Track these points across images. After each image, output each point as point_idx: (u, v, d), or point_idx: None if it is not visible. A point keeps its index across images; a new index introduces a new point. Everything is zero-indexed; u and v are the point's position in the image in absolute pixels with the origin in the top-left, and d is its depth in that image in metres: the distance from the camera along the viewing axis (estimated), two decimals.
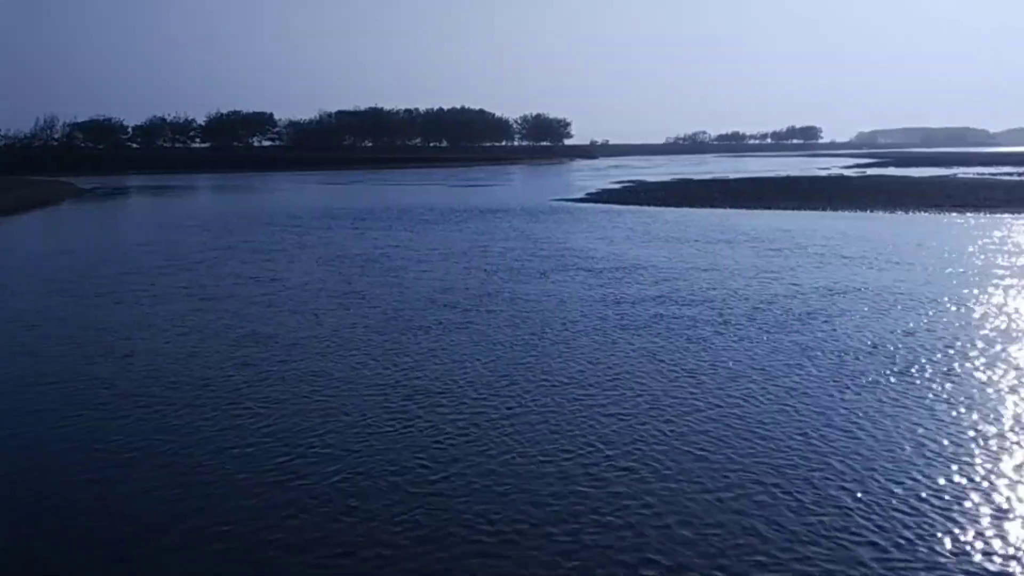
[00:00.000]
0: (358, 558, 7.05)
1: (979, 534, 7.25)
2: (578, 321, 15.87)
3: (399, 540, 7.31)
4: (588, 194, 57.65)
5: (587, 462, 8.94)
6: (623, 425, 10.06)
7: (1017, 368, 12.35)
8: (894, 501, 7.88)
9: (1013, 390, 11.30)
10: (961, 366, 12.43)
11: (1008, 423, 9.99)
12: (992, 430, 9.74)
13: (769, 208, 42.06)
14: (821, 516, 7.61)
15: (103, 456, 9.41)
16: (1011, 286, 19.06)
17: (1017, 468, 8.68)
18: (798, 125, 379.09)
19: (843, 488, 8.18)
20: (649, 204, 46.79)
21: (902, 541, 7.13)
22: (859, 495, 8.02)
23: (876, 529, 7.34)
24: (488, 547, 7.17)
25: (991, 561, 6.83)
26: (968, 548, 7.02)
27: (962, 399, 10.89)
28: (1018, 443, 9.36)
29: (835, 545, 7.08)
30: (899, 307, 16.75)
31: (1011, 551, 6.99)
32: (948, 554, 6.93)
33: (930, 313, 16.16)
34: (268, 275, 22.44)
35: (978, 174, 78.68)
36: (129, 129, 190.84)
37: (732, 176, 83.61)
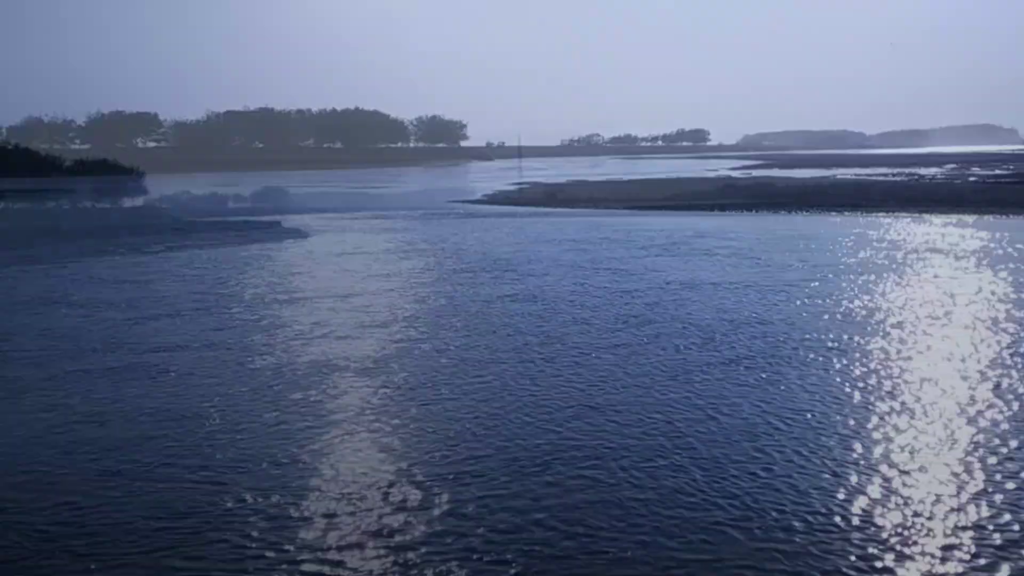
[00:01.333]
0: (214, 554, 6.80)
1: (813, 506, 7.52)
2: (432, 320, 15.84)
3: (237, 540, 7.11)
4: (485, 195, 58.28)
5: (429, 459, 8.96)
6: (462, 420, 10.12)
7: (845, 353, 12.90)
8: (728, 476, 8.17)
9: (841, 371, 11.86)
10: (793, 353, 12.91)
11: (834, 400, 10.49)
12: (820, 408, 10.22)
13: (660, 208, 43.02)
14: (664, 490, 7.81)
15: None
16: (857, 280, 19.93)
17: (842, 438, 9.10)
18: (687, 128, 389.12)
19: (680, 467, 8.43)
20: (544, 205, 47.60)
21: (737, 515, 7.37)
22: (696, 475, 8.28)
23: (711, 502, 7.58)
24: (333, 542, 7.07)
25: (828, 531, 7.09)
26: (796, 519, 7.27)
27: (790, 381, 11.37)
28: (843, 417, 9.79)
29: (671, 514, 7.26)
30: (743, 299, 17.38)
31: (846, 516, 7.26)
32: (775, 522, 7.17)
33: (779, 304, 16.79)
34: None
35: (856, 175, 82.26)
36: (3, 130, 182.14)
37: (625, 178, 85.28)
